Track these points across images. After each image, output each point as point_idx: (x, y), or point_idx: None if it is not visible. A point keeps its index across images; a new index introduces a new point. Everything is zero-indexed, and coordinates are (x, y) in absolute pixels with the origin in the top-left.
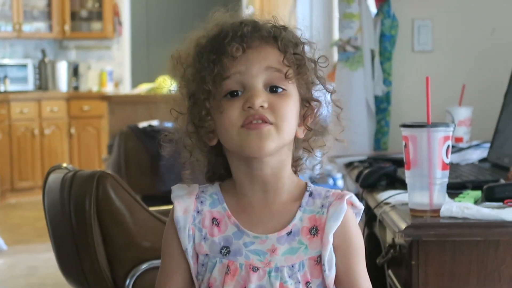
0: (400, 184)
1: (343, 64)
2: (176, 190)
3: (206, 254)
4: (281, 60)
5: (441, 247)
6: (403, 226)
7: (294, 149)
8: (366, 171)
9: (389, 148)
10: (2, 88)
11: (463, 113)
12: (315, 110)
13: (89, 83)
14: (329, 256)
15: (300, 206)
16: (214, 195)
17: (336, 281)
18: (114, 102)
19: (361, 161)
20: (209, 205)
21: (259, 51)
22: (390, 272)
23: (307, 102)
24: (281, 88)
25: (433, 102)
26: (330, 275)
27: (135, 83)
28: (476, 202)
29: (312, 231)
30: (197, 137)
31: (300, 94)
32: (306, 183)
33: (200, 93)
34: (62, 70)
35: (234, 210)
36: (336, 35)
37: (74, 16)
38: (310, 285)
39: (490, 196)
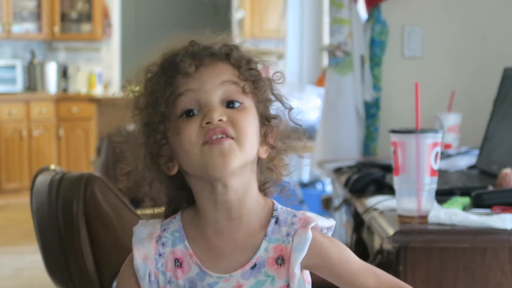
0: (388, 190)
1: (333, 69)
2: (138, 233)
3: None
4: (236, 74)
5: (429, 254)
6: (391, 232)
7: (259, 171)
8: (355, 176)
9: (378, 153)
10: None
11: (452, 119)
12: (275, 128)
13: (78, 85)
14: (298, 286)
15: (265, 235)
16: (176, 232)
17: (343, 285)
18: (103, 104)
19: (350, 167)
20: (171, 245)
21: (212, 67)
22: None
23: (266, 120)
24: (238, 102)
25: (422, 108)
26: None
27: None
28: (464, 209)
29: (279, 261)
30: (156, 168)
31: (259, 112)
32: (273, 205)
33: (154, 116)
34: (51, 71)
35: (196, 247)
36: (326, 40)
37: (63, 17)
38: None
39: (478, 202)
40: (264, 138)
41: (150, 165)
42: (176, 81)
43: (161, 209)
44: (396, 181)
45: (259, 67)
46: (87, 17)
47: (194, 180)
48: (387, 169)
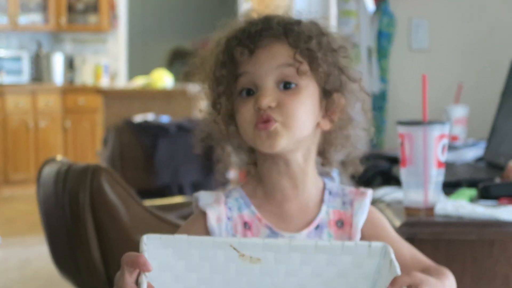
0: (395, 181)
1: None
2: (203, 198)
3: None
4: (292, 55)
5: (435, 246)
6: (397, 223)
7: (327, 143)
8: (362, 168)
9: (385, 145)
10: None
11: (459, 111)
12: (338, 102)
13: (85, 76)
14: None
15: (323, 201)
16: (240, 199)
17: None
18: (109, 95)
19: None
20: (237, 209)
21: (268, 49)
22: None
23: (327, 92)
24: (294, 83)
25: (429, 100)
26: None
27: (130, 76)
28: (471, 201)
29: (338, 224)
30: (227, 133)
31: (320, 86)
32: (323, 179)
33: (221, 95)
34: (58, 62)
35: (262, 211)
36: None
37: (70, 8)
38: None
39: (485, 195)
40: (325, 112)
41: (223, 130)
42: (236, 61)
43: (169, 200)
44: (403, 173)
45: (324, 40)
46: (94, 8)
47: (260, 155)
48: (394, 161)
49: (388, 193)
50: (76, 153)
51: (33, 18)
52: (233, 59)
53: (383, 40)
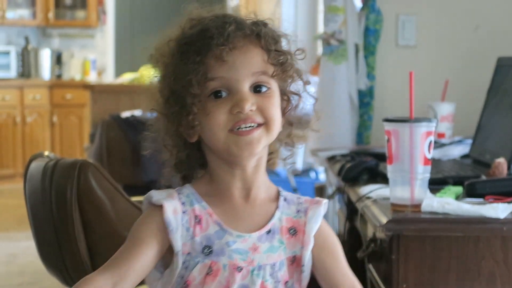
0: (382, 178)
1: (327, 58)
2: (156, 195)
3: (189, 253)
4: (265, 59)
5: (422, 242)
6: (384, 220)
7: (278, 143)
8: (348, 165)
9: (372, 142)
10: None
11: (445, 108)
12: (294, 103)
13: (72, 72)
14: (308, 257)
15: (277, 207)
16: (191, 195)
17: (322, 283)
18: (97, 91)
19: (343, 155)
20: (189, 204)
21: (244, 52)
22: (370, 266)
23: (285, 96)
24: (266, 87)
25: (416, 97)
26: (307, 276)
27: (118, 72)
28: (457, 198)
29: (291, 231)
30: (177, 134)
31: (280, 89)
32: (277, 188)
33: (186, 96)
34: (45, 58)
35: (215, 208)
36: (320, 29)
37: (58, 3)
38: (289, 284)
39: (471, 192)
40: (283, 113)
41: (173, 132)
42: (208, 61)
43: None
44: (390, 169)
45: (284, 42)
46: (82, 3)
47: (213, 152)
48: (381, 157)
49: (374, 189)
50: (64, 148)
51: (20, 13)
52: (202, 58)
53: (370, 37)
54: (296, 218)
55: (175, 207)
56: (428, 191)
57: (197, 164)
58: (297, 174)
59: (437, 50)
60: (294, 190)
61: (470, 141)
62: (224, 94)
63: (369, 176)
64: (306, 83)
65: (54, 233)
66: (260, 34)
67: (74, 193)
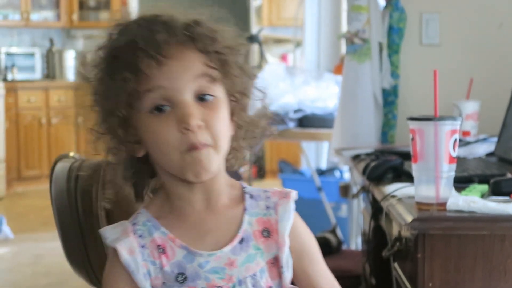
0: (406, 177)
1: (351, 57)
2: (109, 234)
3: (163, 283)
4: (205, 62)
5: (447, 241)
6: (409, 219)
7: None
8: (373, 164)
9: (396, 141)
10: (10, 77)
11: (470, 107)
12: (242, 104)
13: None
14: (286, 257)
15: (245, 209)
16: (147, 222)
17: (297, 284)
18: None
19: (367, 154)
20: (148, 234)
21: (181, 59)
22: (396, 265)
23: (233, 96)
24: (211, 95)
25: (440, 95)
26: (288, 275)
27: None
28: (482, 196)
29: (264, 233)
30: (121, 151)
31: (226, 90)
32: (240, 184)
33: (118, 116)
34: (70, 59)
35: (176, 231)
36: (344, 28)
37: (82, 5)
38: None
39: (497, 190)
40: (231, 116)
41: (114, 150)
42: (141, 76)
43: None
44: (414, 168)
45: (221, 36)
46: (106, 5)
47: (165, 171)
48: (405, 156)
49: (399, 188)
50: (89, 149)
51: (45, 15)
52: (135, 71)
53: (394, 35)
54: (267, 217)
55: (130, 246)
56: (453, 190)
57: (147, 175)
58: (322, 173)
59: (461, 48)
60: (319, 189)
61: (495, 139)
62: (167, 108)
63: (394, 175)
64: (252, 77)
65: (80, 234)
66: (195, 37)
67: (99, 194)
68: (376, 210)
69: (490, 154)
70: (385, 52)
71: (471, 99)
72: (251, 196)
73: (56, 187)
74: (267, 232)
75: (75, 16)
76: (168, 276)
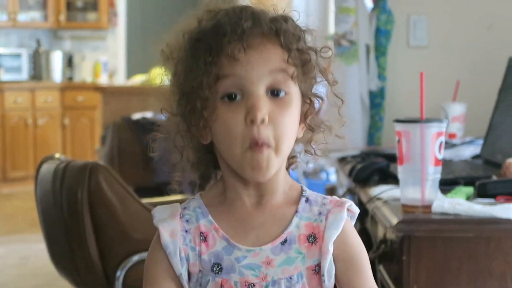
0: (392, 179)
1: (338, 59)
2: (158, 214)
3: (200, 271)
4: (285, 59)
5: (433, 243)
6: (394, 221)
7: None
8: (359, 166)
9: (383, 143)
10: None
11: (457, 109)
12: (317, 107)
13: (84, 74)
14: (328, 266)
15: (296, 211)
16: (197, 208)
17: None
18: (108, 93)
19: (354, 156)
20: (195, 221)
21: (261, 51)
22: (381, 267)
23: (308, 99)
24: (284, 91)
25: (427, 97)
26: (330, 285)
27: (129, 74)
28: (468, 199)
29: (310, 239)
30: (189, 135)
31: (301, 91)
32: (301, 187)
33: (196, 99)
34: (57, 60)
35: (221, 222)
36: (331, 29)
37: (69, 6)
38: None
39: (482, 192)
40: (303, 118)
41: (184, 133)
42: (220, 60)
43: (168, 198)
44: (400, 170)
45: (308, 39)
46: (93, 5)
47: (225, 162)
48: (392, 158)
49: (385, 190)
50: (75, 151)
51: (32, 16)
52: (214, 58)
53: (381, 37)
54: (317, 223)
55: (173, 229)
56: (439, 192)
57: (211, 165)
58: (306, 176)
59: (449, 50)
60: None
61: (481, 141)
62: (238, 97)
63: (380, 177)
64: (333, 83)
65: (65, 235)
66: (280, 32)
67: (85, 195)
68: (362, 212)
69: (476, 157)
70: (372, 54)
71: (458, 101)
72: (307, 200)
73: (41, 188)
74: (313, 238)
75: (62, 17)
76: (205, 265)
